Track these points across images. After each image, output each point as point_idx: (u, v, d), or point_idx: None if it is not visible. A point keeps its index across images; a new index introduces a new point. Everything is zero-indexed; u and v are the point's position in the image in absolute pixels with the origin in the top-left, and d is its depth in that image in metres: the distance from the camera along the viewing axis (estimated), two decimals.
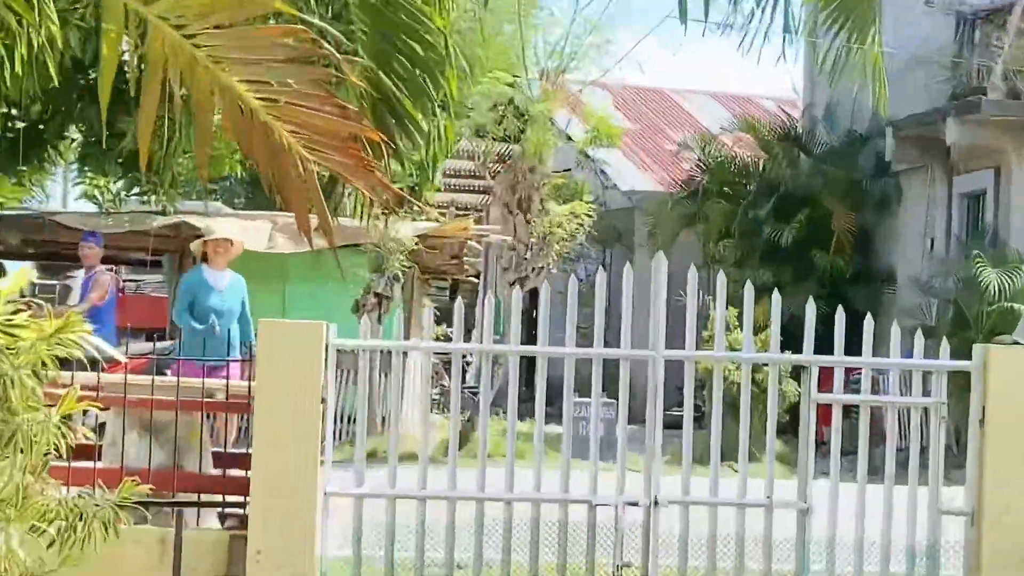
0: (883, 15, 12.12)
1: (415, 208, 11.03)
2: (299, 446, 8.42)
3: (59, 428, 5.85)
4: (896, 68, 22.88)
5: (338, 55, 6.02)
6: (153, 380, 8.79)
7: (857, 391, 9.43)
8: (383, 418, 18.13)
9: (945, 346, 9.20)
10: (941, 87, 21.58)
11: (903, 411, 9.77)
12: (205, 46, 5.61)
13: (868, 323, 9.01)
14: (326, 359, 8.57)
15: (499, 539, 8.82)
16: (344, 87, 6.64)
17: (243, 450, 8.79)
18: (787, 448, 9.62)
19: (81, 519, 6.02)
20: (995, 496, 8.78)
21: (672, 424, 9.12)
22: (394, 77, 7.39)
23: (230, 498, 8.84)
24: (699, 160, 26.67)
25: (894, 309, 20.68)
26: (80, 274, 18.76)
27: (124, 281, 30.06)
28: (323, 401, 8.50)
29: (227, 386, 9.08)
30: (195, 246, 15.37)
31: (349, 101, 6.42)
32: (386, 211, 8.71)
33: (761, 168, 26.02)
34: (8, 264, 29.14)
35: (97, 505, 6.07)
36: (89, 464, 8.64)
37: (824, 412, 9.20)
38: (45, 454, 5.96)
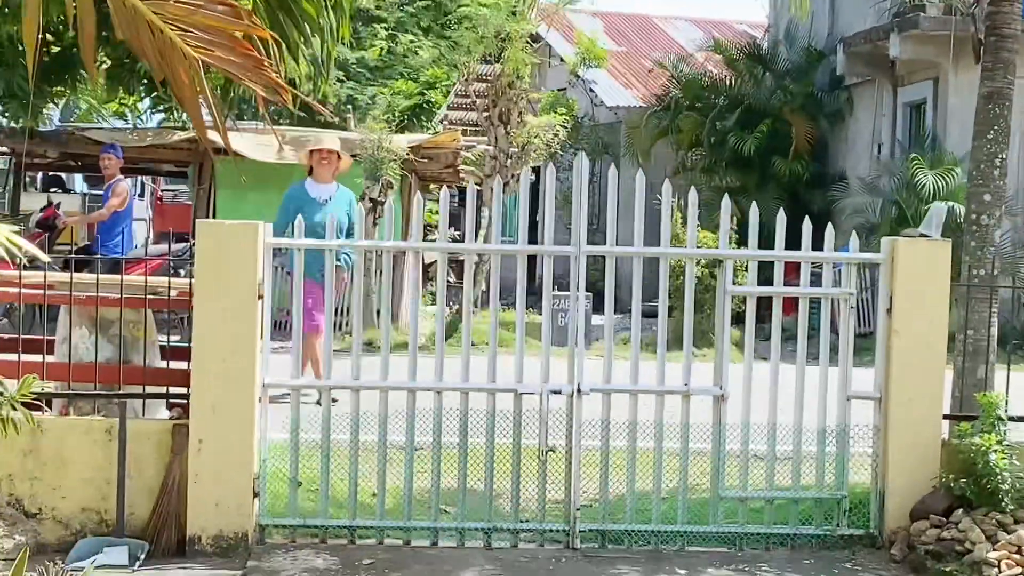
0: None
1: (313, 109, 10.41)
2: (237, 340, 7.86)
3: None
4: None
5: None
6: (98, 279, 8.07)
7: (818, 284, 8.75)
8: (378, 311, 17.61)
9: (855, 240, 8.69)
10: (886, 6, 21.17)
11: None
12: None
13: (780, 219, 8.40)
14: (263, 257, 7.95)
15: (430, 425, 8.27)
16: None
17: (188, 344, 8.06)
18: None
19: None
20: (900, 382, 8.32)
21: (647, 313, 8.65)
22: None
23: (174, 390, 8.23)
24: (672, 77, 26.28)
25: (844, 210, 20.12)
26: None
27: (162, 191, 29.77)
28: (260, 297, 7.89)
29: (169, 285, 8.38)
30: (301, 157, 13.79)
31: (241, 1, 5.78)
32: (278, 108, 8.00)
33: (728, 84, 25.67)
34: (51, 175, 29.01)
35: None
36: (39, 358, 8.08)
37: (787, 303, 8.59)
38: None
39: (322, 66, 7.73)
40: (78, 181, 30.07)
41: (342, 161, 12.94)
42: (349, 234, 10.76)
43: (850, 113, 23.88)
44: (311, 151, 12.98)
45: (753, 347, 8.44)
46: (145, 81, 18.74)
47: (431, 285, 20.18)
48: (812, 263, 8.59)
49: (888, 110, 22.42)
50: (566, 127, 20.28)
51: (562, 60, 26.88)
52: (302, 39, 6.94)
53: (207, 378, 7.80)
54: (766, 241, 8.46)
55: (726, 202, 8.56)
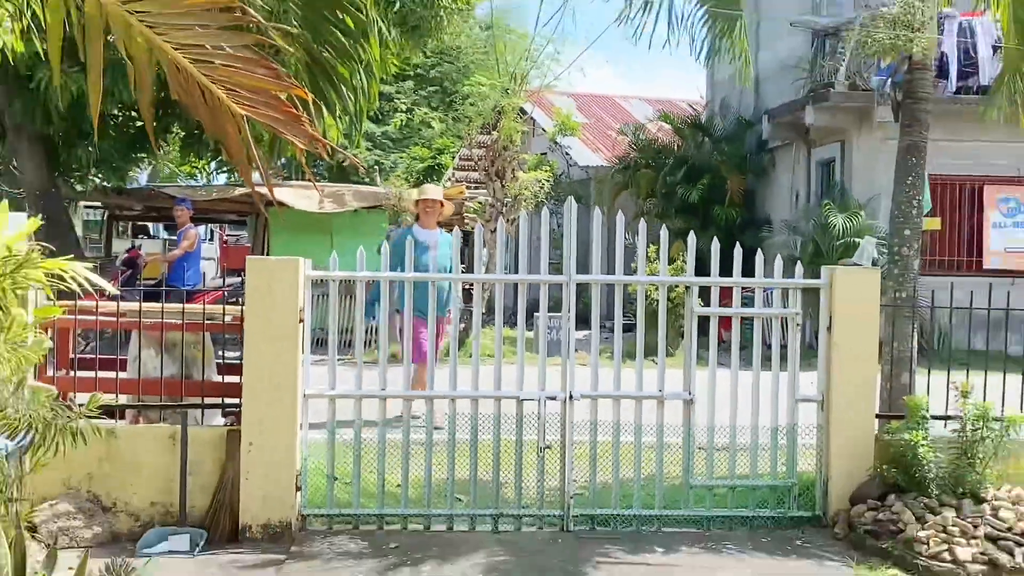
0: (760, 34, 11.18)
1: (346, 169, 9.87)
2: (281, 356, 7.27)
3: (14, 351, 4.55)
4: (770, 72, 22.25)
5: (265, 22, 4.79)
6: (163, 307, 7.46)
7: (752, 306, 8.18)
8: (400, 329, 17.33)
9: (800, 268, 8.18)
10: (801, 84, 20.71)
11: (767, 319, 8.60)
12: (137, 12, 4.37)
13: (737, 254, 7.92)
14: (303, 287, 7.38)
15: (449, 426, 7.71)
16: (279, 56, 5.37)
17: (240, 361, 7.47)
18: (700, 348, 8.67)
19: (50, 429, 4.70)
20: (838, 388, 7.82)
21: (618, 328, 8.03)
22: (324, 43, 6.08)
23: (229, 401, 7.66)
24: (631, 142, 25.89)
25: (772, 246, 19.58)
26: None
27: (227, 236, 29.45)
28: (301, 321, 7.30)
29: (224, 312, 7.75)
30: (408, 207, 11.94)
31: (283, 66, 5.19)
32: (317, 159, 7.40)
33: (675, 147, 25.26)
34: (131, 224, 28.78)
35: (69, 416, 4.74)
36: (112, 375, 7.47)
37: (723, 321, 8.02)
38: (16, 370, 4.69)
39: (355, 121, 7.11)
40: (160, 230, 29.75)
41: (444, 207, 11.41)
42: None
43: (773, 169, 23.48)
44: (417, 200, 11.41)
45: (715, 358, 7.86)
46: (211, 146, 18.53)
47: None
48: (744, 287, 8.03)
49: (803, 167, 22.02)
50: (550, 182, 19.91)
51: (544, 130, 26.79)
52: (337, 98, 6.36)
53: (256, 390, 7.23)
54: (709, 270, 7.99)
55: (691, 238, 8.04)
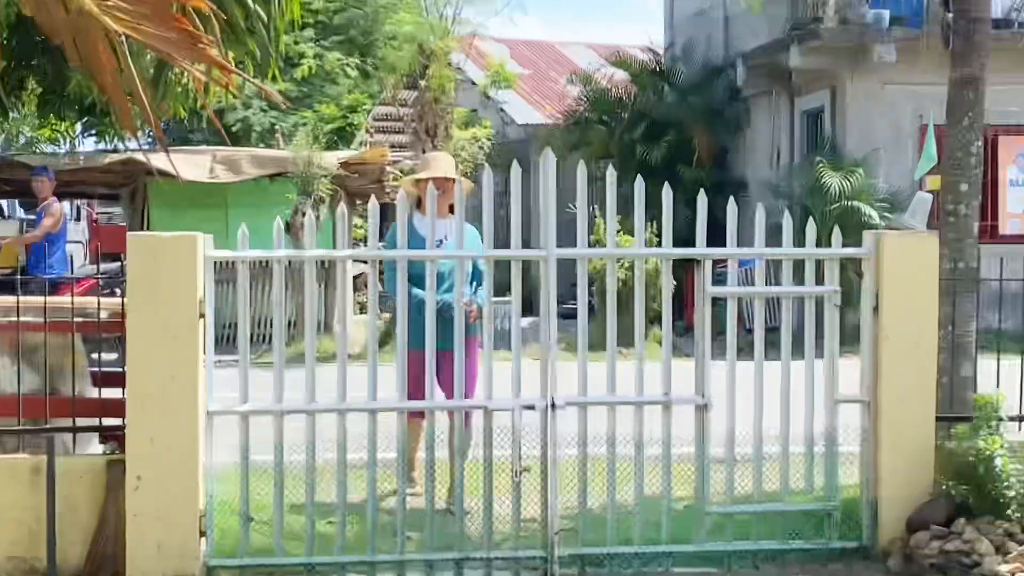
0: None
1: (262, 94, 8.88)
2: (176, 364, 6.51)
3: None
4: (743, 8, 21.78)
5: None
6: (18, 301, 6.67)
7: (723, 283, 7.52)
8: (324, 322, 17.28)
9: (838, 235, 7.45)
10: (781, 21, 20.57)
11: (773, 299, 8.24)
12: None
13: (760, 215, 7.44)
14: (203, 272, 6.60)
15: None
16: None
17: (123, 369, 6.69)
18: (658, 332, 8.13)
19: None
20: (888, 384, 7.21)
21: (564, 315, 7.47)
22: None
23: (108, 422, 6.93)
24: (580, 95, 25.56)
25: (748, 212, 19.21)
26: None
27: (97, 213, 28.54)
28: (202, 316, 6.55)
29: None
30: (406, 187, 8.28)
31: None
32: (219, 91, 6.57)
33: (632, 99, 24.94)
34: None
35: None
36: None
37: (688, 302, 7.50)
38: None
39: (269, 46, 6.22)
40: (14, 207, 28.75)
41: (462, 185, 8.00)
42: (476, 277, 8.00)
43: (748, 123, 23.23)
44: (417, 180, 8.38)
45: (735, 353, 7.17)
46: (77, 105, 17.90)
47: (359, 296, 19.52)
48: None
49: (786, 119, 21.80)
50: (491, 140, 19.41)
51: (473, 83, 26.40)
52: (243, 14, 5.49)
53: (144, 406, 6.46)
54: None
55: (702, 199, 7.33)
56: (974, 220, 8.05)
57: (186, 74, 4.86)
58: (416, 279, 7.22)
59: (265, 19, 5.82)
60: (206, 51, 4.20)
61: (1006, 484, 6.84)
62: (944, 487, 7.09)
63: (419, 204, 8.20)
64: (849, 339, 7.37)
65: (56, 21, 4.00)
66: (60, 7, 3.90)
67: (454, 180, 8.19)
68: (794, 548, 7.18)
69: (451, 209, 7.95)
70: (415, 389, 7.05)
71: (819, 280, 7.33)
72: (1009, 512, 6.85)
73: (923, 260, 7.21)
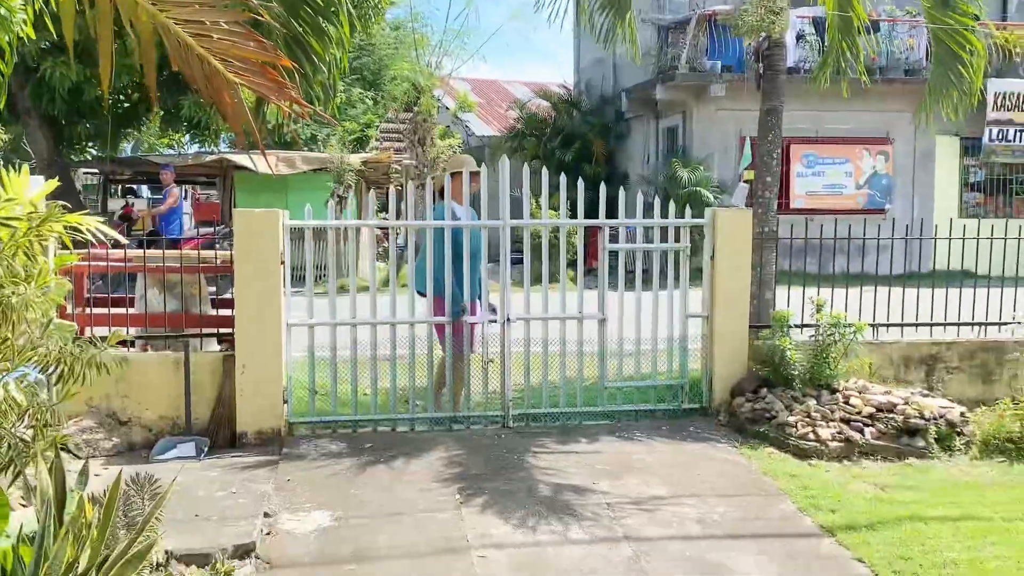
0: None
1: (322, 120, 9.06)
2: (267, 294, 6.56)
3: (43, 295, 3.82)
4: (625, 59, 21.60)
5: (255, 1, 4.10)
6: (164, 252, 6.69)
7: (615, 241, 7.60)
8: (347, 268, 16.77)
9: (688, 210, 7.60)
10: (652, 68, 20.15)
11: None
12: None
13: (639, 198, 7.65)
14: (283, 234, 6.65)
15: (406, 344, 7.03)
16: (262, 30, 4.63)
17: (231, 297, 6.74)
18: (573, 273, 8.19)
19: (77, 362, 3.98)
20: (720, 305, 7.36)
21: (514, 261, 7.51)
22: (301, 20, 5.32)
23: (223, 331, 6.93)
24: (519, 117, 25.19)
25: (629, 196, 19.22)
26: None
27: (199, 194, 28.15)
28: (282, 263, 6.58)
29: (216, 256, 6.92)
30: (439, 181, 7.54)
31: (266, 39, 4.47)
32: (297, 120, 6.63)
33: (553, 119, 24.52)
34: (121, 186, 27.33)
35: (93, 351, 4.01)
36: (122, 311, 6.69)
37: (592, 253, 7.56)
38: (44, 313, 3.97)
39: (329, 89, 6.32)
40: (144, 190, 28.23)
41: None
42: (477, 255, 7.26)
43: (629, 135, 23.04)
44: (454, 173, 7.34)
45: (624, 285, 7.30)
46: (185, 123, 17.63)
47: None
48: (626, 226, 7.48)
49: (653, 133, 21.64)
50: (459, 148, 19.23)
51: (447, 108, 25.96)
52: (313, 69, 5.60)
53: (247, 321, 6.52)
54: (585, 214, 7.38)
55: (602, 187, 7.41)
56: (774, 200, 8.22)
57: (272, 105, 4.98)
58: (457, 257, 7.01)
59: (326, 72, 5.89)
60: (290, 93, 4.28)
61: (792, 367, 7.06)
62: (754, 369, 7.30)
63: (440, 193, 7.40)
64: (695, 276, 7.51)
65: (196, 72, 4.04)
66: (198, 64, 3.94)
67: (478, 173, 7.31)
68: (660, 408, 7.37)
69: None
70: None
71: (677, 239, 7.43)
72: (794, 384, 7.07)
73: (742, 226, 7.34)
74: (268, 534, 4.98)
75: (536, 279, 7.39)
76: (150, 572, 4.26)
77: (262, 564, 4.63)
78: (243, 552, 4.66)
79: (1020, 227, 8.01)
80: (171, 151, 24.45)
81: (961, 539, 5.05)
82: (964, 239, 7.90)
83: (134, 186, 27.83)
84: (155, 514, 3.56)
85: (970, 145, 20.03)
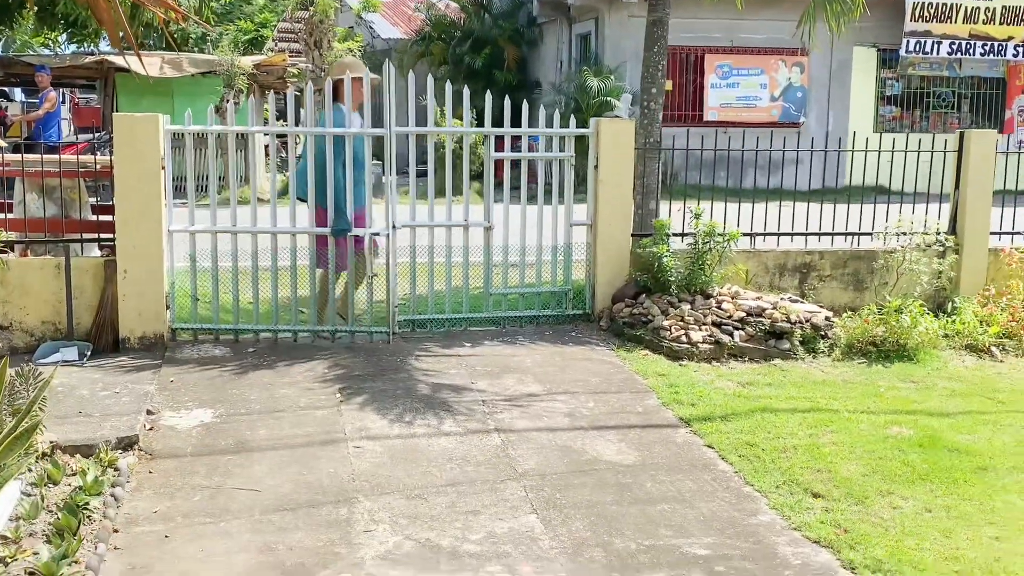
0: None
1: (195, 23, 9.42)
2: (147, 198, 6.98)
3: None
4: None
5: None
6: (42, 157, 7.04)
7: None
8: (239, 177, 16.74)
9: (573, 120, 8.17)
10: None
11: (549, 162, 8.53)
12: None
13: (542, 111, 8.05)
14: (163, 139, 7.02)
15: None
16: None
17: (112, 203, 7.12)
18: (481, 187, 8.64)
19: None
20: (603, 214, 7.97)
21: (419, 173, 7.93)
22: None
23: (104, 236, 7.28)
24: (426, 19, 25.21)
25: (540, 104, 19.62)
26: None
27: (78, 98, 27.70)
28: (163, 168, 6.98)
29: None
30: (334, 79, 7.56)
31: None
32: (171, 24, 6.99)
33: (462, 23, 24.65)
34: None
35: None
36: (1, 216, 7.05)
37: (500, 165, 8.02)
38: None
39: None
40: (18, 93, 27.64)
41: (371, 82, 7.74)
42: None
43: (541, 41, 23.26)
44: (355, 78, 7.45)
45: (509, 194, 7.92)
46: (63, 21, 17.41)
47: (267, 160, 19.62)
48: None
49: (566, 39, 21.88)
50: (360, 51, 19.33)
51: (350, 6, 25.84)
52: None
53: (127, 226, 6.95)
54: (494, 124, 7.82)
55: (489, 97, 7.84)
56: (659, 112, 8.79)
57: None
58: (337, 150, 7.28)
59: None
60: (166, 1, 4.68)
61: (669, 273, 7.73)
62: (635, 276, 7.94)
63: (336, 96, 7.50)
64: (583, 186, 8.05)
65: None
66: None
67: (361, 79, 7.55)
68: (544, 314, 8.01)
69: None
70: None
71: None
72: (671, 290, 7.75)
73: (624, 137, 7.93)
74: (151, 429, 5.55)
75: (440, 191, 7.87)
76: (36, 460, 4.81)
77: (144, 455, 5.21)
78: (126, 444, 5.24)
79: (933, 141, 8.71)
80: (47, 51, 23.93)
81: (805, 428, 5.88)
82: (880, 151, 8.58)
83: (6, 89, 27.27)
84: (40, 397, 4.11)
85: (888, 57, 20.87)
